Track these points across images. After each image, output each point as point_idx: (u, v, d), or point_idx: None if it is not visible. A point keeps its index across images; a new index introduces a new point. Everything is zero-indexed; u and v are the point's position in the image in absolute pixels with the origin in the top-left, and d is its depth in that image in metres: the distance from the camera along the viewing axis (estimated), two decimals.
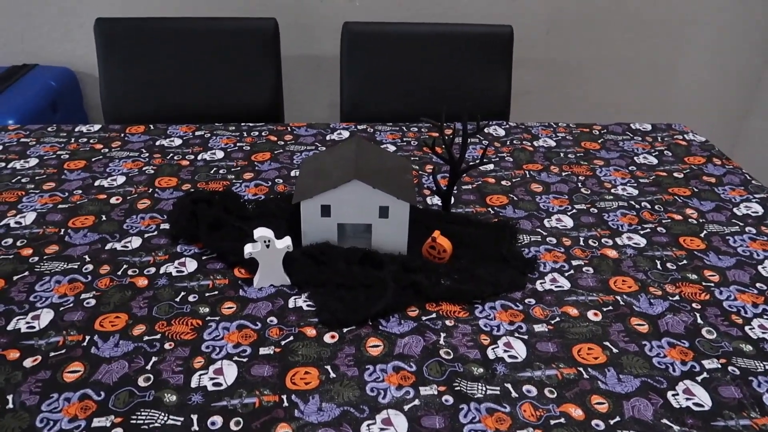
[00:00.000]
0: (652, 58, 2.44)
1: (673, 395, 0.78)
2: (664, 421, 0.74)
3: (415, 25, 1.82)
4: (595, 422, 0.74)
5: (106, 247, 1.03)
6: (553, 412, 0.75)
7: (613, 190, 1.26)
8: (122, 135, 1.44)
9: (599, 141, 1.48)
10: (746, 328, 0.90)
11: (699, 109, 2.55)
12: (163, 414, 0.73)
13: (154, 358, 0.81)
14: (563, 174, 1.32)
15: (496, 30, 1.83)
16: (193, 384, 0.78)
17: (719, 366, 0.83)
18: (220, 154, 1.37)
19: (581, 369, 0.82)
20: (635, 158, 1.40)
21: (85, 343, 0.84)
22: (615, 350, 0.85)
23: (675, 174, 1.34)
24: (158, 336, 0.85)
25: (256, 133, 1.47)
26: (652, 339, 0.87)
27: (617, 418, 0.75)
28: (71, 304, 0.90)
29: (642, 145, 1.47)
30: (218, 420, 0.73)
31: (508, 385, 0.79)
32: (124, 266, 0.99)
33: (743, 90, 2.56)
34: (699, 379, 0.81)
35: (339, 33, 1.79)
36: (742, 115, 2.62)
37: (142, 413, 0.73)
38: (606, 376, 0.81)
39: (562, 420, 0.74)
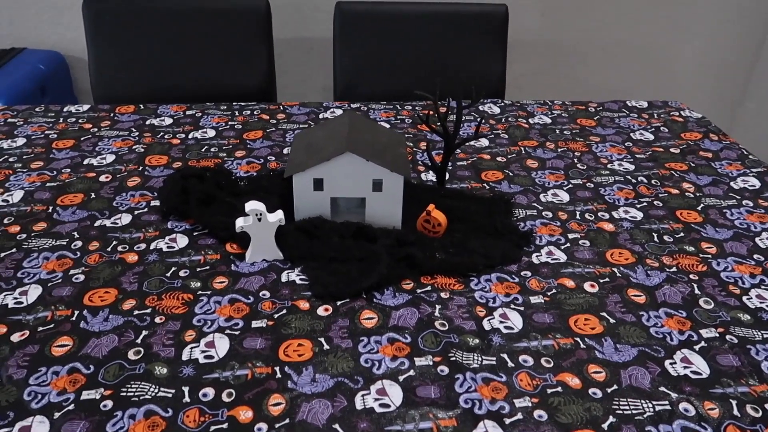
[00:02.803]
0: (647, 40, 2.42)
1: (670, 364, 0.77)
2: (662, 389, 0.74)
3: (408, 4, 1.79)
4: (592, 390, 0.73)
5: (95, 224, 1.02)
6: (549, 381, 0.74)
7: (609, 166, 1.25)
8: (111, 115, 1.42)
9: (595, 118, 1.47)
10: (744, 298, 0.89)
11: (694, 92, 2.53)
12: (153, 386, 0.72)
13: (144, 332, 0.80)
14: (559, 150, 1.31)
15: (491, 9, 1.81)
16: (185, 357, 0.76)
17: (717, 335, 0.82)
18: (211, 133, 1.35)
19: (578, 339, 0.81)
20: (631, 134, 1.39)
21: (73, 318, 0.82)
22: (612, 320, 0.84)
23: (672, 149, 1.33)
24: (148, 310, 0.84)
25: (248, 112, 1.45)
26: (650, 309, 0.86)
27: (614, 387, 0.74)
28: (59, 280, 0.89)
29: (638, 122, 1.46)
30: (210, 392, 0.72)
31: (504, 356, 0.78)
32: (114, 242, 0.97)
33: (739, 72, 2.55)
34: (697, 348, 0.80)
35: (331, 14, 1.77)
36: (737, 98, 2.61)
37: (132, 386, 0.72)
38: (603, 345, 0.80)
39: (559, 389, 0.73)
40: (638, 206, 1.11)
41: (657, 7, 2.36)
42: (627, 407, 0.71)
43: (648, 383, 0.74)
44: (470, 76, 1.83)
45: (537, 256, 0.97)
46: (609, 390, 0.73)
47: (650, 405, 0.72)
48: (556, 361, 0.77)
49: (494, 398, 0.72)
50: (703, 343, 0.81)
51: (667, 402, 0.72)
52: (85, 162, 1.21)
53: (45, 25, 2.18)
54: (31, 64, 2.06)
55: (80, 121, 1.39)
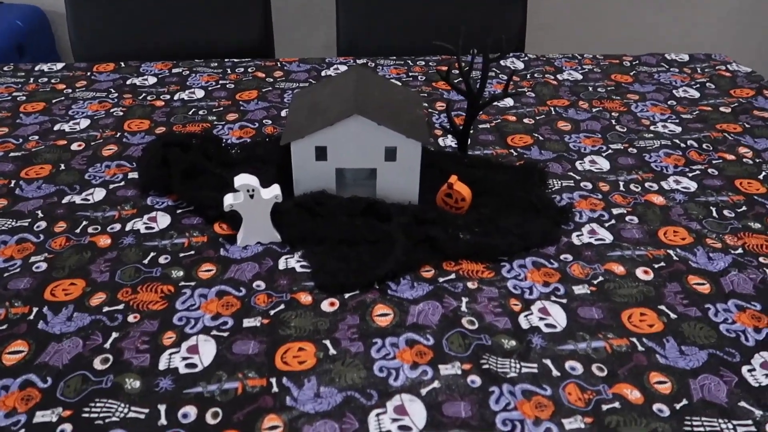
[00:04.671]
0: None
1: (749, 371, 0.64)
2: (743, 404, 0.60)
3: None
4: (657, 407, 0.60)
5: (64, 201, 0.88)
6: (604, 394, 0.61)
7: (652, 128, 1.09)
8: (88, 74, 1.27)
9: (631, 73, 1.30)
10: None
11: (731, 43, 2.34)
12: (123, 405, 0.59)
13: (114, 334, 0.67)
14: (593, 110, 1.15)
15: None
16: (162, 366, 0.63)
17: None
18: (200, 93, 1.19)
19: (634, 339, 0.67)
20: (674, 92, 1.23)
21: (31, 317, 0.69)
22: (673, 316, 0.70)
23: (721, 108, 1.17)
24: (121, 306, 0.70)
25: (242, 70, 1.29)
26: (717, 301, 0.73)
27: (684, 401, 0.61)
28: (17, 269, 0.75)
29: (680, 77, 1.29)
30: (191, 411, 0.59)
31: (548, 361, 0.64)
32: (84, 223, 0.84)
33: None
34: None
35: None
36: None
37: (97, 404, 0.59)
38: (665, 348, 0.66)
39: (617, 404, 0.60)
40: (690, 175, 0.96)
41: None
42: (701, 428, 0.58)
43: (724, 396, 0.61)
44: (487, 28, 1.65)
45: (578, 235, 0.83)
46: (678, 406, 0.60)
47: (730, 426, 0.58)
48: (610, 368, 0.64)
49: (538, 418, 0.59)
50: None
51: (750, 421, 0.59)
52: (56, 128, 1.06)
53: None
54: (8, 20, 1.89)
55: (53, 81, 1.24)
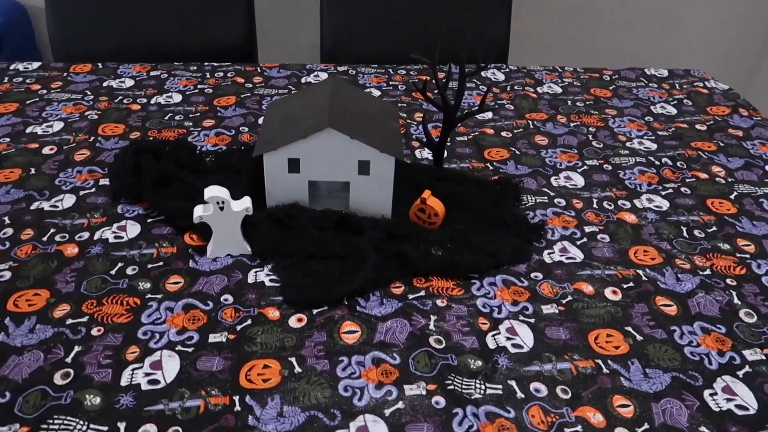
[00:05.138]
0: (660, 1, 2.24)
1: (711, 395, 0.64)
2: (703, 429, 0.61)
3: None
4: (618, 431, 0.60)
5: (32, 207, 0.86)
6: (567, 417, 0.61)
7: (628, 144, 1.10)
8: (65, 74, 1.25)
9: (610, 88, 1.31)
10: None
11: (709, 56, 2.36)
12: (81, 422, 0.58)
13: (76, 348, 0.66)
14: (571, 125, 1.16)
15: None
16: (124, 381, 0.62)
17: (763, 357, 0.69)
18: (177, 98, 1.18)
19: (600, 361, 0.68)
20: (651, 107, 1.24)
21: None
22: (639, 337, 0.71)
23: (697, 126, 1.18)
24: (85, 318, 0.69)
25: (221, 74, 1.28)
26: (683, 323, 0.73)
27: (645, 426, 0.61)
28: None
29: (658, 93, 1.30)
30: (151, 429, 0.58)
31: (512, 383, 0.65)
32: (51, 231, 0.82)
33: (755, 37, 2.37)
34: (740, 373, 0.67)
35: None
36: (754, 64, 2.44)
37: (56, 421, 0.58)
38: (630, 370, 0.67)
39: (579, 428, 0.60)
40: (663, 193, 0.97)
41: None
42: None
43: (686, 421, 0.62)
44: (471, 36, 1.65)
45: (549, 253, 0.83)
46: (639, 430, 0.60)
47: None
48: (574, 391, 0.64)
49: None
50: (747, 368, 0.68)
51: None
52: (28, 130, 1.05)
53: None
54: None
55: (28, 81, 1.22)
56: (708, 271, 0.81)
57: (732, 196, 0.97)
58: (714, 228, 0.90)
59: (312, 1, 2.06)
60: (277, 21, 2.13)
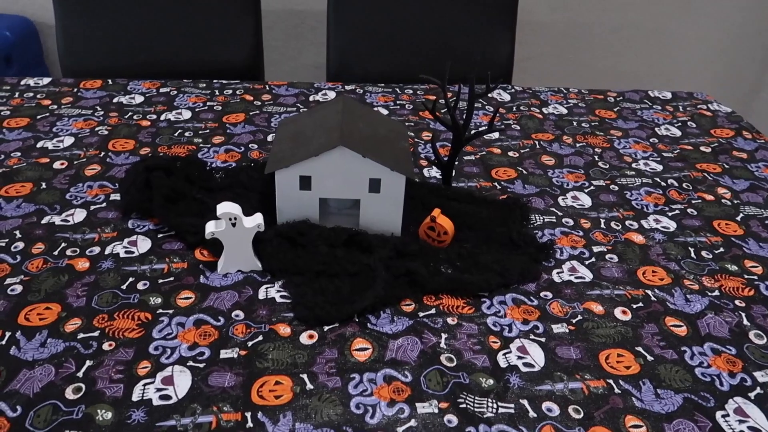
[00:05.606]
0: (659, 23, 2.27)
1: (723, 416, 0.64)
2: None
3: None
4: None
5: (43, 221, 0.87)
6: None
7: (634, 165, 1.11)
8: (75, 90, 1.26)
9: (615, 109, 1.33)
10: None
11: (710, 78, 2.39)
12: None
13: (88, 362, 0.66)
14: (577, 145, 1.17)
15: None
16: (135, 397, 0.62)
17: None
18: (186, 114, 1.19)
19: (611, 381, 0.68)
20: (656, 129, 1.25)
21: (3, 342, 0.68)
22: (650, 358, 0.71)
23: (702, 148, 1.19)
24: (96, 333, 0.69)
25: (230, 92, 1.29)
26: (693, 344, 0.73)
27: None
28: None
29: (663, 115, 1.32)
30: None
31: (524, 402, 0.64)
32: (63, 245, 0.82)
33: (757, 58, 2.40)
34: (752, 395, 0.67)
35: None
36: (754, 86, 2.47)
37: None
38: (641, 390, 0.67)
39: None
40: (670, 214, 0.97)
41: None
42: None
43: None
44: (475, 58, 1.67)
45: (558, 273, 0.83)
46: None
47: None
48: (586, 411, 0.64)
49: None
50: (759, 390, 0.68)
51: None
52: (39, 145, 1.06)
53: None
54: None
55: (39, 96, 1.23)
56: (717, 292, 0.82)
57: (738, 218, 0.98)
58: (721, 249, 0.90)
59: (317, 20, 2.09)
60: (283, 40, 2.15)
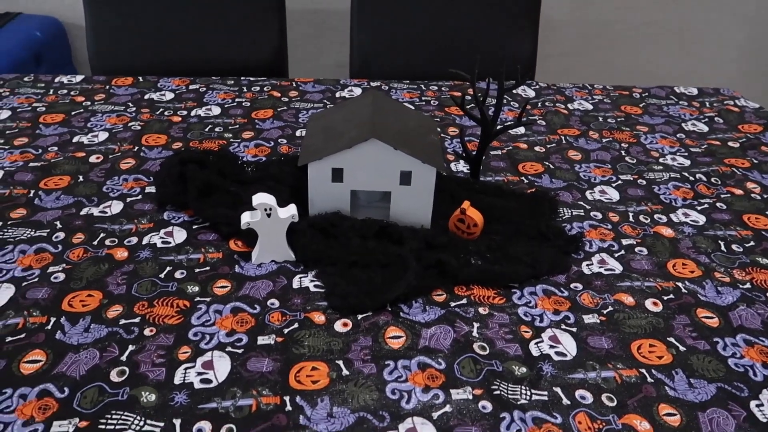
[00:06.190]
0: (682, 21, 2.25)
1: (757, 405, 0.65)
2: None
3: None
4: None
5: (82, 213, 0.89)
6: (614, 424, 0.62)
7: (661, 160, 1.11)
8: (107, 87, 1.29)
9: (641, 105, 1.33)
10: None
11: (737, 74, 2.37)
12: (138, 417, 0.60)
13: (130, 347, 0.68)
14: (604, 140, 1.17)
15: None
16: (177, 380, 0.64)
17: None
18: (216, 110, 1.21)
19: (644, 371, 0.68)
20: (683, 125, 1.25)
21: (49, 327, 0.70)
22: (682, 348, 0.71)
23: (730, 143, 1.18)
24: (137, 319, 0.71)
25: (258, 88, 1.31)
26: (725, 335, 0.73)
27: None
28: (36, 279, 0.76)
29: (689, 111, 1.31)
30: (206, 426, 0.60)
31: (558, 390, 0.65)
32: (101, 235, 0.85)
33: None
34: None
35: None
36: None
37: (114, 416, 0.60)
38: (674, 380, 0.67)
39: None
40: (699, 208, 0.97)
41: None
42: None
43: (733, 431, 0.62)
44: (498, 55, 1.68)
45: (588, 265, 0.84)
46: None
47: None
48: (620, 399, 0.64)
49: None
50: None
51: None
52: (75, 140, 1.08)
53: None
54: (27, 30, 1.92)
55: (72, 93, 1.26)
56: (748, 285, 0.82)
57: None
58: (752, 243, 0.90)
59: (341, 21, 2.11)
60: (307, 38, 2.17)
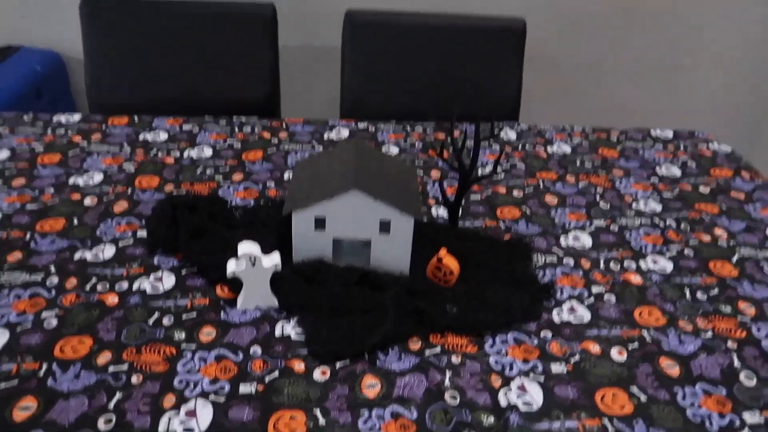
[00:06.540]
0: (667, 59, 2.32)
1: None
2: None
3: (422, 15, 1.70)
4: None
5: (75, 257, 0.93)
6: None
7: (634, 205, 1.16)
8: (103, 126, 1.33)
9: (618, 148, 1.38)
10: None
11: (716, 114, 2.43)
12: None
13: (118, 395, 0.71)
14: (580, 185, 1.22)
15: (508, 24, 1.71)
16: (161, 428, 0.67)
17: (762, 421, 0.73)
18: (208, 152, 1.26)
19: (606, 421, 0.72)
20: (657, 168, 1.30)
21: (41, 374, 0.73)
22: (643, 398, 0.75)
23: (701, 188, 1.23)
24: (125, 367, 0.75)
25: (249, 129, 1.36)
26: (685, 384, 0.77)
27: None
28: (29, 325, 0.80)
29: (664, 154, 1.36)
30: None
31: None
32: (93, 280, 0.89)
33: (761, 94, 2.45)
34: None
35: (341, 22, 1.68)
36: (760, 118, 2.50)
37: None
38: (634, 430, 0.71)
39: None
40: (668, 255, 1.02)
41: (677, 27, 2.26)
42: None
43: None
44: (484, 95, 1.73)
45: (558, 312, 0.88)
46: None
47: None
48: None
49: None
50: (747, 431, 0.71)
51: None
52: (71, 181, 1.12)
53: (43, 23, 2.09)
54: (27, 64, 1.97)
55: (70, 132, 1.30)
56: (710, 334, 0.86)
57: (733, 259, 1.02)
58: (716, 290, 0.94)
59: (332, 57, 2.17)
60: (299, 75, 2.23)
